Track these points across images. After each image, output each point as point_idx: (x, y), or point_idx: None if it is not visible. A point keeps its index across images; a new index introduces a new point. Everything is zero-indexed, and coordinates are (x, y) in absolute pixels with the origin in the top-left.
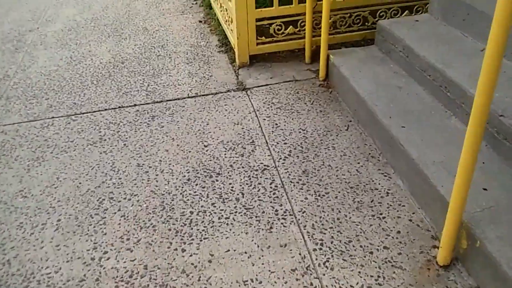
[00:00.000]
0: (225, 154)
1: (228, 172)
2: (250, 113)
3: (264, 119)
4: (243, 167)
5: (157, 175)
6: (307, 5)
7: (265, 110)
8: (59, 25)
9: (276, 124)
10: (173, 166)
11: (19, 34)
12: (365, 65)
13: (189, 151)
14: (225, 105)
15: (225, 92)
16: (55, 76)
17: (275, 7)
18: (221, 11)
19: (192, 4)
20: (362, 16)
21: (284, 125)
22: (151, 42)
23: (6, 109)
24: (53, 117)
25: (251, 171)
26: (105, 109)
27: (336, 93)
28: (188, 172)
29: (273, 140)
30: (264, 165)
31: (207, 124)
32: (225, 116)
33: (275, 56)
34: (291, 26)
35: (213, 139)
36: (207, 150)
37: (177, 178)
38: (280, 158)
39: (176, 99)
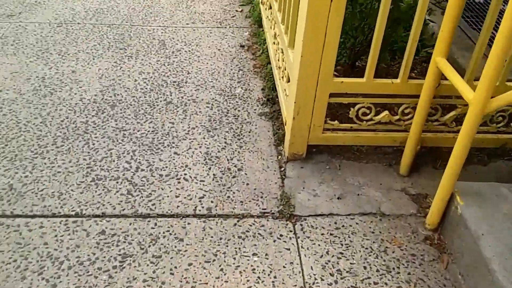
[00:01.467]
0: None
1: None
2: None
3: None
4: None
5: None
6: (425, 84)
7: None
8: (50, 14)
9: None
10: None
11: None
12: None
13: None
14: (254, 254)
15: (257, 216)
16: (8, 114)
17: (367, 79)
18: (274, 43)
19: (236, 11)
20: (509, 114)
21: None
22: (164, 72)
23: None
24: None
25: None
26: (53, 215)
27: (459, 274)
28: None
29: None
30: None
31: None
32: None
33: (348, 149)
34: (386, 112)
35: None
36: None
37: None
38: None
39: (173, 216)
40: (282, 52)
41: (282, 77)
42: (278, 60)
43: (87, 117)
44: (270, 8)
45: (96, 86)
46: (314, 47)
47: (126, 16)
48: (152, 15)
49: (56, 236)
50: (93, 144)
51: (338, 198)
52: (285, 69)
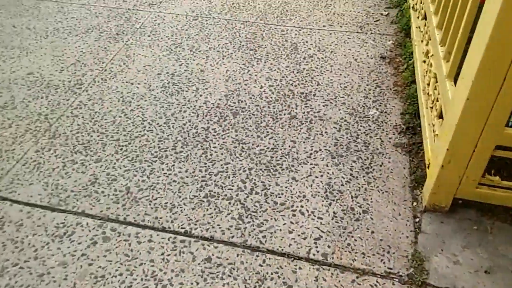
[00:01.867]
0: None
1: None
2: None
3: None
4: None
5: None
6: None
7: None
8: (188, 5)
9: None
10: None
11: (130, 9)
12: None
13: None
14: None
15: (381, 276)
16: (135, 110)
17: None
18: (424, 62)
19: (381, 15)
20: None
21: None
22: (292, 81)
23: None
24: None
25: None
26: (163, 229)
27: None
28: None
29: None
30: None
31: None
32: None
33: (504, 209)
34: None
35: None
36: None
37: None
38: None
39: (283, 256)
40: (436, 78)
41: (431, 108)
42: (428, 85)
43: (208, 123)
44: (425, 19)
45: (221, 89)
46: (488, 90)
47: (261, 13)
48: (288, 14)
49: (163, 254)
50: (211, 154)
51: (485, 272)
52: (437, 101)
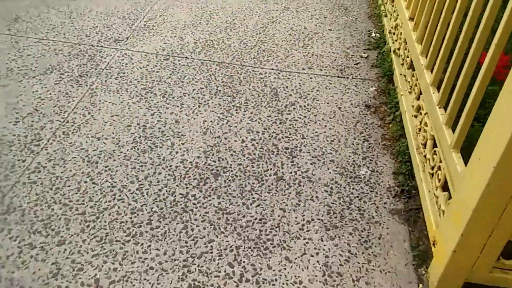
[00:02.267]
0: None
1: None
2: None
3: None
4: None
5: None
6: None
7: None
8: (158, 42)
9: None
10: None
11: (94, 46)
12: None
13: None
14: None
15: None
16: (103, 173)
17: None
18: (415, 117)
19: (361, 57)
20: None
21: None
22: (275, 133)
23: None
24: None
25: None
26: None
27: None
28: None
29: None
30: None
31: None
32: None
33: None
34: None
35: None
36: None
37: None
38: None
39: None
40: (433, 140)
41: (431, 174)
42: (424, 145)
43: (187, 187)
44: (412, 68)
45: (199, 144)
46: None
47: (237, 53)
48: (265, 54)
49: None
50: (192, 229)
51: None
52: (440, 169)
